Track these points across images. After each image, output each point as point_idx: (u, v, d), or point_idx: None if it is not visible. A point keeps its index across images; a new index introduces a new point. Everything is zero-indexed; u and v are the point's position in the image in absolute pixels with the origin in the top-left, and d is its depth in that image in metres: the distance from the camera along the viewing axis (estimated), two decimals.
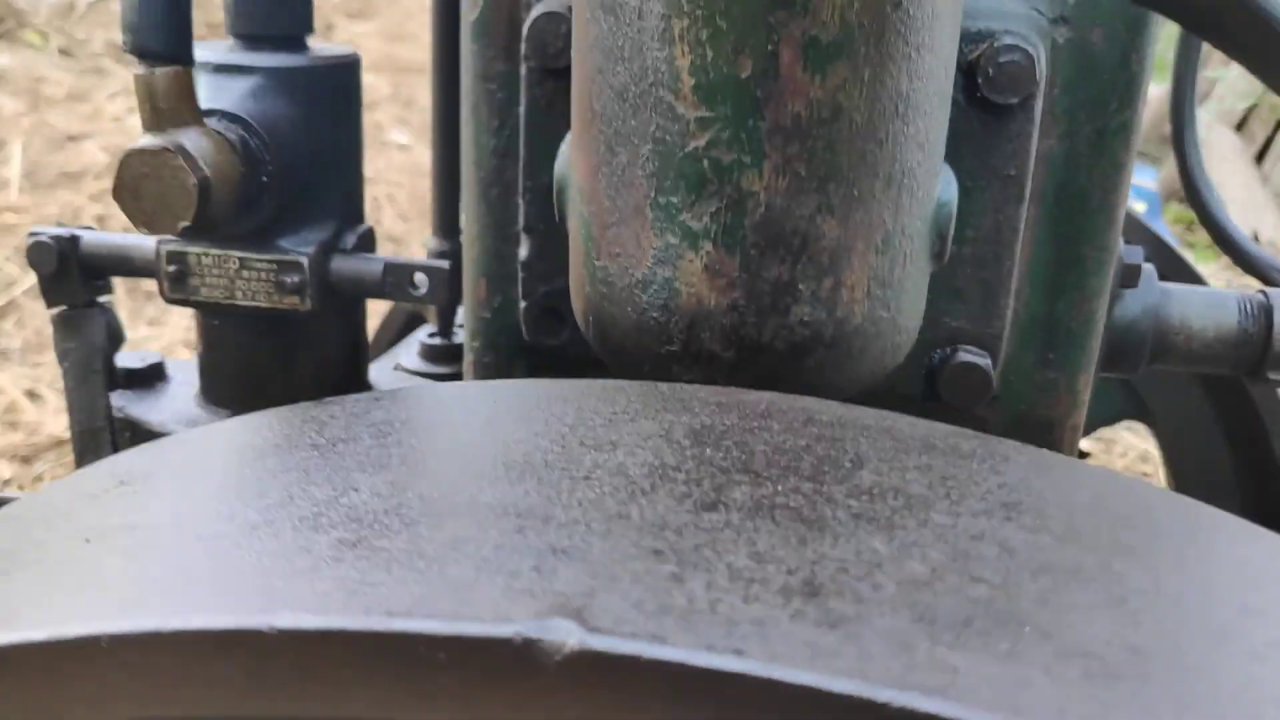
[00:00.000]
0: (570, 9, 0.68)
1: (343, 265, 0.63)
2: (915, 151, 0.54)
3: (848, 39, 0.49)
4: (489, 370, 0.80)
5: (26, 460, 3.07)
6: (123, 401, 0.68)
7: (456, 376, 0.98)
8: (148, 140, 0.54)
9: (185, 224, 0.54)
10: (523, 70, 0.69)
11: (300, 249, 0.61)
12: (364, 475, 0.41)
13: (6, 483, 2.99)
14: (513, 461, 0.41)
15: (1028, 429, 0.77)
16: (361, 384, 0.69)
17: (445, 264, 0.63)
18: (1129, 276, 0.94)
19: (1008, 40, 0.62)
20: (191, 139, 0.54)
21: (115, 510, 0.45)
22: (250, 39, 0.62)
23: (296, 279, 0.61)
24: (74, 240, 0.63)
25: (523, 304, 0.76)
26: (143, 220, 0.54)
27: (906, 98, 0.52)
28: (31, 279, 3.72)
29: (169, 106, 0.54)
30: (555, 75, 0.68)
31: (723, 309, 0.54)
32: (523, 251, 0.74)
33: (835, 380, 0.57)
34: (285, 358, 0.66)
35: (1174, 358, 0.99)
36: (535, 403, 0.47)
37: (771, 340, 0.55)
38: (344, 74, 0.63)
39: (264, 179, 0.59)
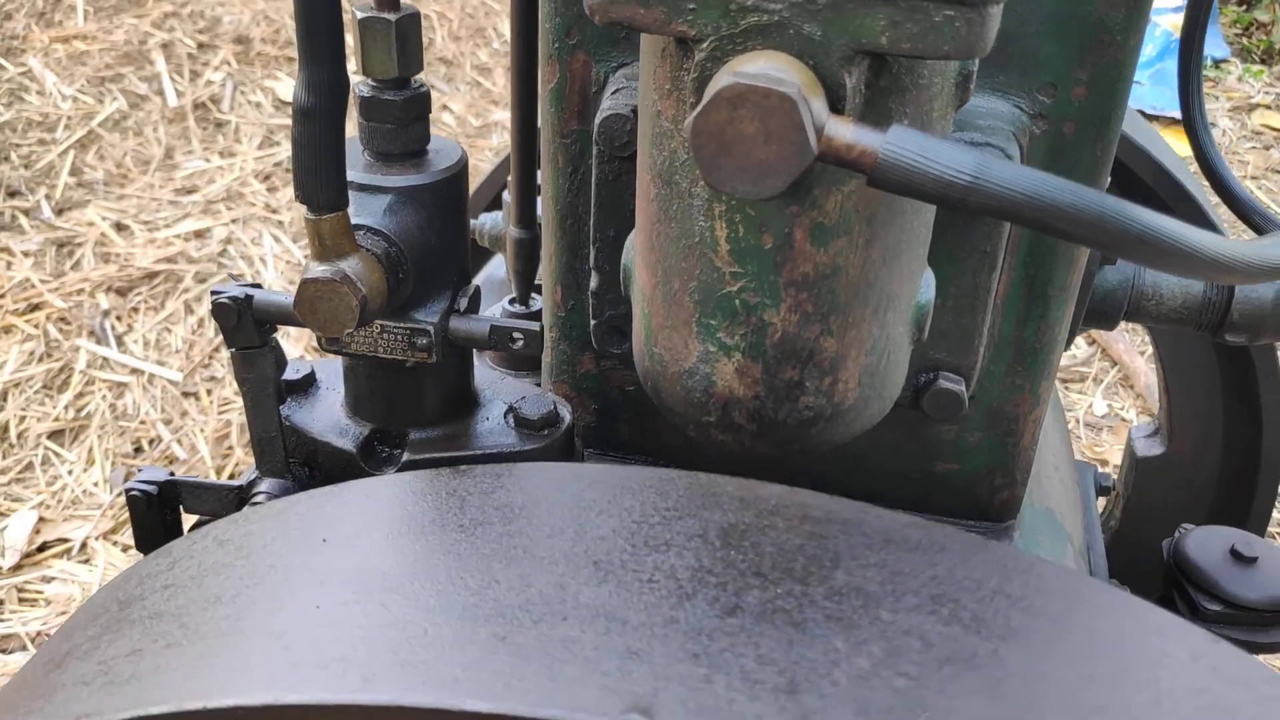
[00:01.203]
0: (634, 111, 0.83)
1: (459, 325, 0.82)
2: (898, 282, 0.72)
3: (845, 221, 0.66)
4: (563, 355, 1.00)
5: (122, 293, 3.33)
6: (288, 411, 0.89)
7: None
8: (319, 270, 0.72)
9: (349, 330, 0.73)
10: (594, 151, 0.86)
11: (427, 319, 0.80)
12: (500, 566, 0.62)
13: (106, 314, 3.25)
14: (600, 560, 0.62)
15: (998, 421, 0.96)
16: (469, 395, 0.89)
17: (536, 325, 0.82)
18: (1107, 257, 1.11)
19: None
20: (352, 266, 0.72)
21: (325, 572, 0.66)
22: (381, 155, 0.79)
23: (425, 340, 0.80)
24: (248, 299, 0.82)
25: (593, 322, 0.94)
26: (317, 327, 0.73)
27: (893, 249, 0.69)
28: (109, 109, 3.88)
29: (333, 243, 0.72)
30: (620, 159, 0.85)
31: (748, 398, 0.73)
32: (592, 283, 0.92)
33: (832, 440, 0.77)
34: (413, 387, 0.86)
35: (1145, 318, 1.17)
36: (610, 494, 0.67)
37: (785, 419, 0.74)
38: (457, 181, 0.80)
39: (400, 275, 0.77)
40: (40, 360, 3.13)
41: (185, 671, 0.61)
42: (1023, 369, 0.93)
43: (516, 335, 0.81)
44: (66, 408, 3.04)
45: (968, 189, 0.57)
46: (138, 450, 2.98)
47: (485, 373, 0.95)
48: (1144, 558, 1.81)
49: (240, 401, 2.96)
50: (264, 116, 4.07)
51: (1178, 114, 4.03)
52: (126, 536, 2.81)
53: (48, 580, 2.70)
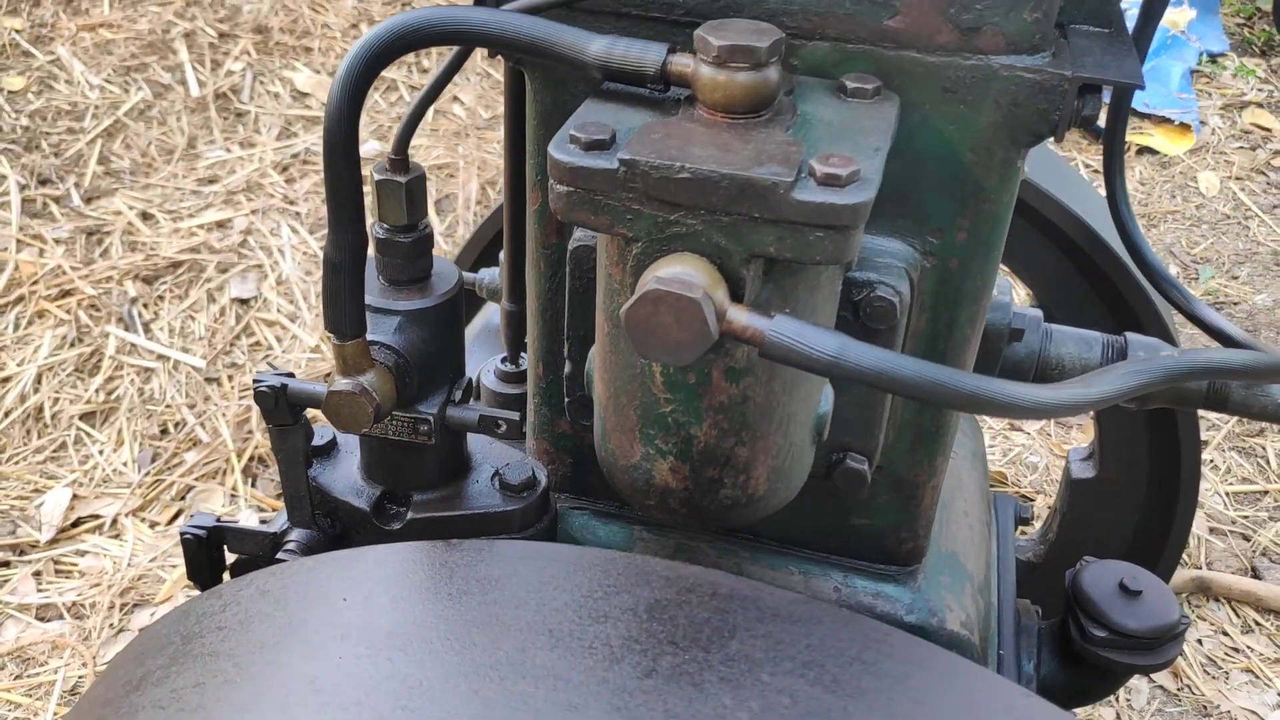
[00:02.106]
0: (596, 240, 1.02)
1: (454, 414, 1.01)
2: (798, 403, 0.91)
3: (751, 364, 0.86)
4: (544, 418, 1.19)
5: (148, 281, 3.53)
6: (315, 473, 1.09)
7: (521, 396, 1.37)
8: (342, 384, 0.92)
9: (365, 430, 0.92)
10: (567, 268, 1.04)
11: (428, 410, 1.00)
12: (478, 631, 0.82)
13: (134, 301, 3.45)
14: (553, 629, 0.82)
15: (902, 487, 1.15)
16: (463, 462, 1.09)
17: (516, 415, 1.01)
18: (1015, 335, 1.30)
19: (880, 290, 0.97)
20: (369, 379, 0.92)
21: (345, 628, 0.86)
22: (393, 282, 0.98)
23: (426, 427, 1.00)
24: (284, 387, 1.02)
25: (566, 399, 1.14)
26: (340, 427, 0.93)
27: (791, 380, 0.89)
28: (134, 99, 4.06)
29: (354, 362, 0.92)
30: (589, 278, 1.04)
31: (680, 489, 0.93)
32: (566, 369, 1.12)
33: (748, 520, 0.96)
34: (416, 459, 1.05)
35: (1051, 381, 1.36)
36: (565, 571, 0.86)
37: (708, 506, 0.94)
38: (454, 301, 1.00)
39: (407, 380, 0.97)
40: (72, 345, 3.34)
41: (240, 705, 0.82)
42: (921, 447, 1.12)
43: (500, 423, 1.01)
44: (97, 391, 3.25)
45: (831, 364, 0.76)
46: (164, 432, 3.20)
47: (476, 438, 1.15)
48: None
49: None
50: (282, 107, 4.24)
51: (1169, 112, 4.20)
52: (155, 513, 3.03)
53: (82, 554, 2.92)
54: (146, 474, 3.08)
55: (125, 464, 3.11)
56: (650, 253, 0.80)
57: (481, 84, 4.61)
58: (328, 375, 3.19)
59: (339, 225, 0.89)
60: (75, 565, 2.90)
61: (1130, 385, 0.85)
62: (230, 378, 3.30)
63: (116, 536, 2.97)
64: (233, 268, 3.58)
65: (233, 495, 3.07)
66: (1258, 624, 2.99)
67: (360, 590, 0.89)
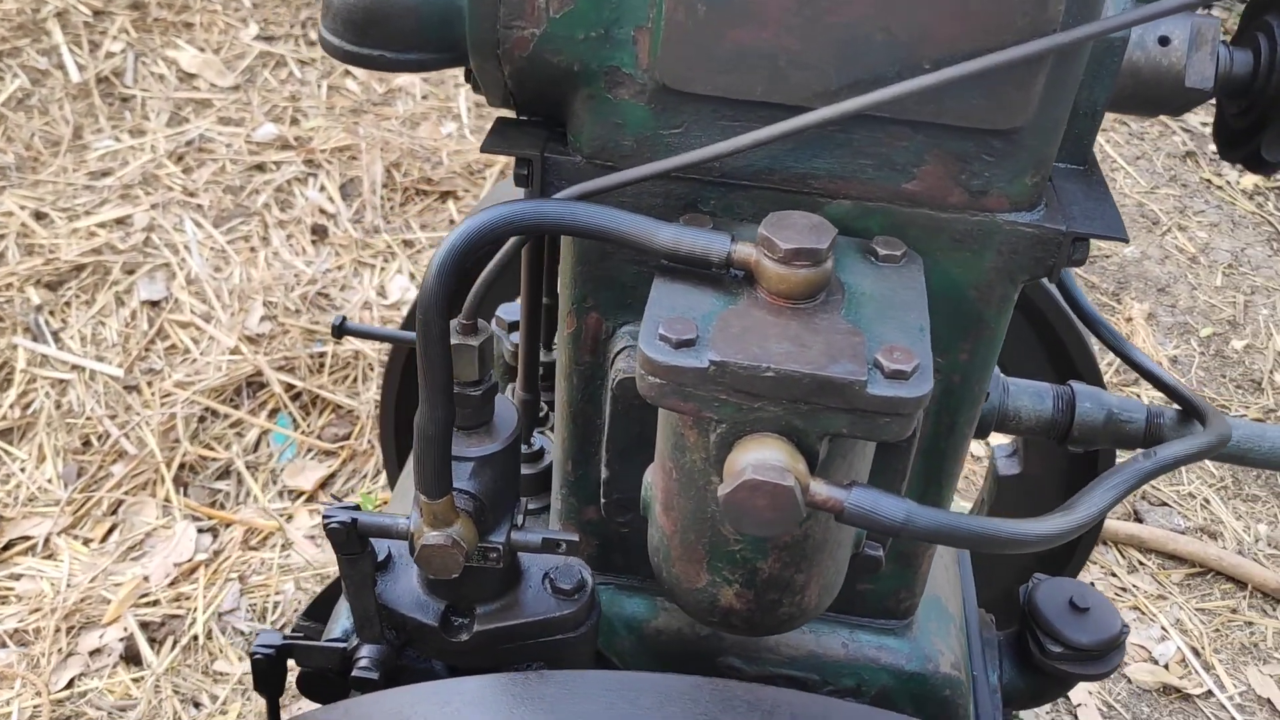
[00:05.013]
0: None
1: (519, 538, 1.10)
2: (844, 532, 1.03)
3: (814, 514, 0.97)
4: (572, 506, 1.29)
5: (52, 288, 3.44)
6: (380, 590, 1.16)
7: (544, 474, 1.45)
8: (434, 537, 1.00)
9: (455, 574, 1.01)
10: (611, 393, 1.13)
11: (497, 539, 1.09)
12: None
13: (39, 309, 3.37)
14: None
15: (903, 558, 1.29)
16: (516, 570, 1.18)
17: (575, 536, 1.11)
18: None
19: None
20: (456, 530, 1.00)
21: None
22: (464, 429, 1.06)
23: (495, 554, 1.09)
24: (354, 521, 1.09)
25: (603, 500, 1.24)
26: (433, 574, 1.01)
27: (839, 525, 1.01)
28: (11, 87, 3.89)
29: (443, 516, 1.00)
30: (631, 404, 1.13)
31: (742, 610, 1.05)
32: (604, 475, 1.21)
33: (796, 626, 1.09)
34: (479, 575, 1.14)
35: (1010, 431, 1.52)
36: (658, 703, 0.97)
37: (767, 621, 1.05)
38: (515, 444, 1.08)
39: (483, 518, 1.05)
40: None
41: None
42: None
43: (561, 544, 1.10)
44: (12, 406, 3.18)
45: (900, 527, 0.88)
46: (86, 445, 3.15)
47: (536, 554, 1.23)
48: (1002, 558, 2.22)
49: (183, 394, 3.15)
50: (169, 90, 4.12)
51: None
52: (87, 530, 3.00)
53: (16, 578, 2.89)
54: (73, 490, 3.05)
55: (50, 481, 3.07)
56: (733, 433, 0.90)
57: None
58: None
59: (433, 402, 0.96)
60: (12, 590, 2.87)
61: (1114, 499, 0.99)
62: (150, 384, 3.27)
63: (50, 557, 2.94)
64: (139, 268, 3.51)
65: (165, 506, 3.07)
66: (1141, 564, 3.29)
67: None
